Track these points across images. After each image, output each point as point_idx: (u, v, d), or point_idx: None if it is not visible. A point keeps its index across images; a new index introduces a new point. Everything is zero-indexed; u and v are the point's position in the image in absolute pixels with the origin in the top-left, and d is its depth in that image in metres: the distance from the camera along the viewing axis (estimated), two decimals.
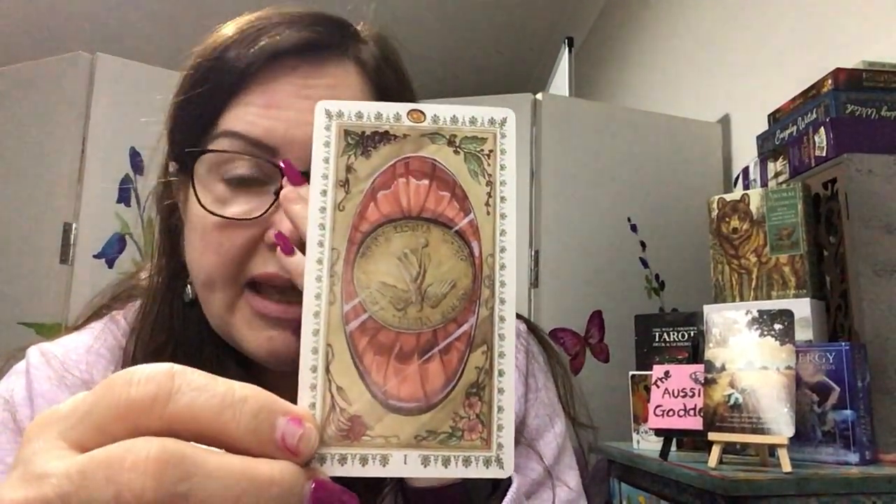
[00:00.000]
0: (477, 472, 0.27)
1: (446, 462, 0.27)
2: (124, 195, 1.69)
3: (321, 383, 0.27)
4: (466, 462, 0.27)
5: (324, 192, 0.29)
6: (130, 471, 0.22)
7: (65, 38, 3.27)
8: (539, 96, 1.86)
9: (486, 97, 1.86)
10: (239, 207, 0.54)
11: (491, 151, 0.30)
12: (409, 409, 0.28)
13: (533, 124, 1.83)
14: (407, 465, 0.27)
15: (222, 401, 0.24)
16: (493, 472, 0.28)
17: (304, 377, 0.27)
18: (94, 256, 1.65)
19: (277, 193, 0.52)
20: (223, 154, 0.54)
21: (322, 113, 0.30)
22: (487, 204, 0.30)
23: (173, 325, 0.59)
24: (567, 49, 2.74)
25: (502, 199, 0.30)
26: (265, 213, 0.53)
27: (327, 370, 0.28)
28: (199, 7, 3.22)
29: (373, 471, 0.27)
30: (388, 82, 0.60)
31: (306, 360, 0.28)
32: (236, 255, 0.54)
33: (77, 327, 0.64)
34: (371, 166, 0.30)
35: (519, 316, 0.70)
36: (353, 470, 0.27)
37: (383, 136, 0.30)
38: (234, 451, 0.24)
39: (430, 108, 0.30)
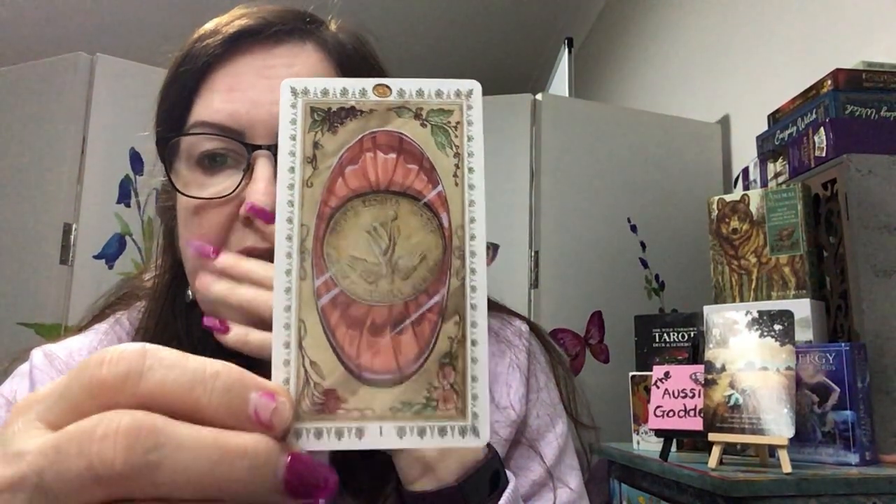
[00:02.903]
0: (453, 441, 0.27)
1: (422, 432, 0.27)
2: (124, 196, 1.69)
3: (294, 359, 0.27)
4: (442, 432, 0.27)
5: (291, 169, 0.29)
6: (101, 441, 0.23)
7: (65, 38, 3.27)
8: (539, 97, 1.86)
9: (486, 97, 1.85)
10: (215, 189, 0.55)
11: (458, 123, 0.30)
12: (383, 381, 0.28)
13: (533, 124, 1.83)
14: (382, 437, 0.27)
15: (193, 376, 0.25)
16: (469, 441, 0.28)
17: (278, 353, 0.27)
18: (94, 257, 1.65)
19: (246, 171, 0.54)
20: (195, 143, 0.56)
21: (287, 90, 0.30)
22: (455, 175, 0.30)
23: (176, 325, 0.59)
24: (567, 49, 2.74)
25: (470, 169, 0.30)
26: (235, 190, 0.54)
27: (300, 345, 0.28)
28: (198, 8, 3.22)
29: (348, 444, 0.27)
30: (356, 67, 0.61)
31: (279, 336, 0.28)
32: (215, 234, 0.55)
33: (81, 328, 0.65)
34: (338, 142, 0.30)
35: (520, 316, 0.70)
36: (329, 444, 0.27)
37: (350, 112, 0.30)
38: (208, 426, 0.25)
39: (396, 83, 0.30)
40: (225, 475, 0.24)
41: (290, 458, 0.25)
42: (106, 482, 0.23)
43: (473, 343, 0.28)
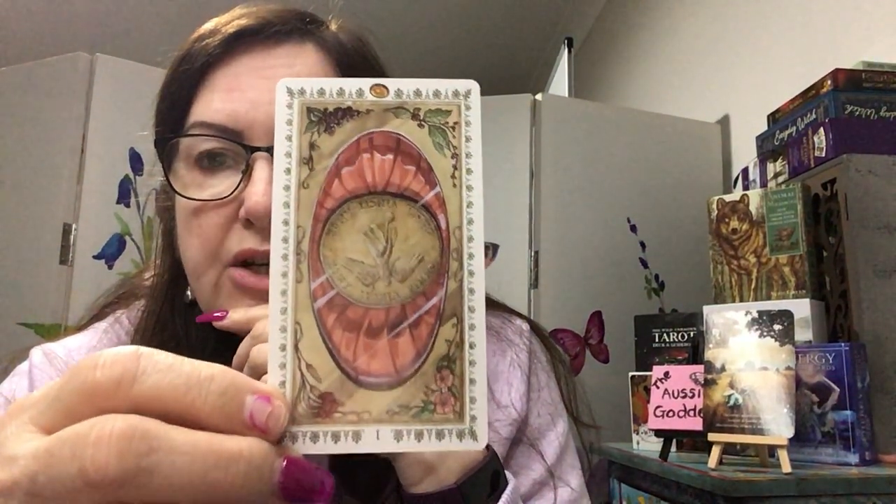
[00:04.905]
0: (451, 444, 0.27)
1: (419, 436, 0.27)
2: (124, 196, 1.69)
3: (290, 361, 0.27)
4: (440, 435, 0.27)
5: (287, 171, 0.29)
6: (94, 446, 0.23)
7: (65, 38, 3.28)
8: (539, 97, 1.86)
9: (486, 97, 1.85)
10: (213, 190, 0.55)
11: (456, 123, 0.30)
12: (380, 384, 0.27)
13: (533, 124, 1.83)
14: (380, 441, 0.27)
15: (188, 380, 0.24)
16: (467, 445, 0.27)
17: (274, 356, 0.27)
18: (94, 257, 1.65)
19: (245, 172, 0.54)
20: (194, 143, 0.56)
21: (284, 90, 0.30)
22: (453, 176, 0.29)
23: (175, 325, 0.59)
24: (567, 49, 2.74)
25: (468, 170, 0.29)
26: (233, 192, 0.54)
27: (296, 348, 0.27)
28: (198, 8, 3.21)
29: (345, 447, 0.27)
30: (357, 68, 0.60)
31: (275, 339, 0.27)
32: (214, 235, 0.55)
33: (81, 328, 0.65)
34: (335, 143, 0.29)
35: (521, 315, 0.70)
36: (326, 447, 0.27)
37: (346, 112, 0.30)
38: (203, 430, 0.24)
39: (394, 83, 0.30)
40: (220, 480, 0.23)
41: (285, 461, 0.25)
42: (99, 487, 0.22)
43: (471, 346, 0.28)
